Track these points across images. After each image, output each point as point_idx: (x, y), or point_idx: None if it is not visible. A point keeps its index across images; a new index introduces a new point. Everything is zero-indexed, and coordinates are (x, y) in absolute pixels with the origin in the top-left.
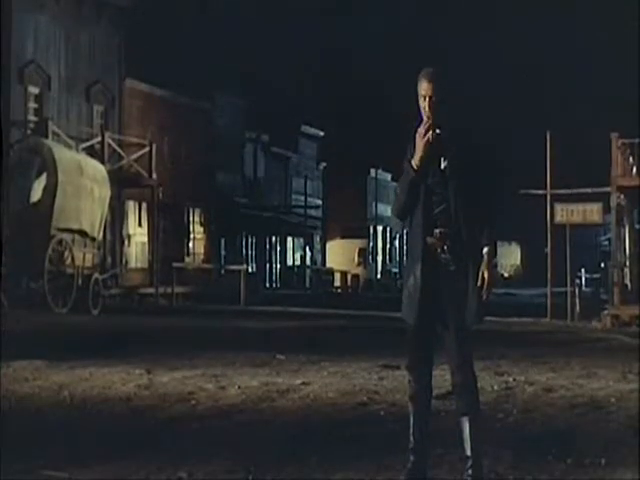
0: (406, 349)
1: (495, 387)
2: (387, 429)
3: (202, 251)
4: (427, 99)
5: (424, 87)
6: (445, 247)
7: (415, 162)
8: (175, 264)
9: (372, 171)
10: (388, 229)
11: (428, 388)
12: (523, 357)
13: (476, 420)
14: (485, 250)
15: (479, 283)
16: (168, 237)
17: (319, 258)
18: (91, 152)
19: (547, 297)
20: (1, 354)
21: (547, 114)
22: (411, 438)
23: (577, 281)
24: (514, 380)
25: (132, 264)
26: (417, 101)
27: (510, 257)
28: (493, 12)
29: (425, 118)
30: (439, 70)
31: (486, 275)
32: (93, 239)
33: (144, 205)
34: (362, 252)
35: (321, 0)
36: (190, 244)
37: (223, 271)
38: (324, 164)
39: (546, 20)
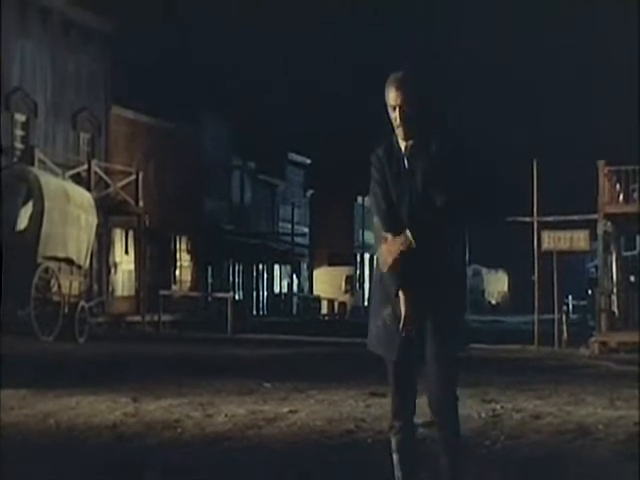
0: (391, 394)
1: (482, 414)
2: (374, 456)
3: (189, 279)
4: (397, 109)
5: (392, 96)
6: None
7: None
8: (162, 292)
9: (359, 198)
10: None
11: (412, 429)
12: (510, 384)
13: (456, 455)
14: None
15: None
16: (155, 265)
17: (306, 285)
18: (77, 180)
19: (534, 324)
20: (1, 380)
21: (533, 141)
22: None
23: (564, 308)
24: (501, 407)
25: (119, 292)
26: (387, 112)
27: (497, 284)
28: (478, 38)
29: (398, 131)
30: (408, 74)
31: None
32: (79, 267)
33: (131, 233)
34: (349, 279)
35: (307, 25)
36: (177, 272)
37: (210, 299)
38: (311, 191)
39: (533, 47)
